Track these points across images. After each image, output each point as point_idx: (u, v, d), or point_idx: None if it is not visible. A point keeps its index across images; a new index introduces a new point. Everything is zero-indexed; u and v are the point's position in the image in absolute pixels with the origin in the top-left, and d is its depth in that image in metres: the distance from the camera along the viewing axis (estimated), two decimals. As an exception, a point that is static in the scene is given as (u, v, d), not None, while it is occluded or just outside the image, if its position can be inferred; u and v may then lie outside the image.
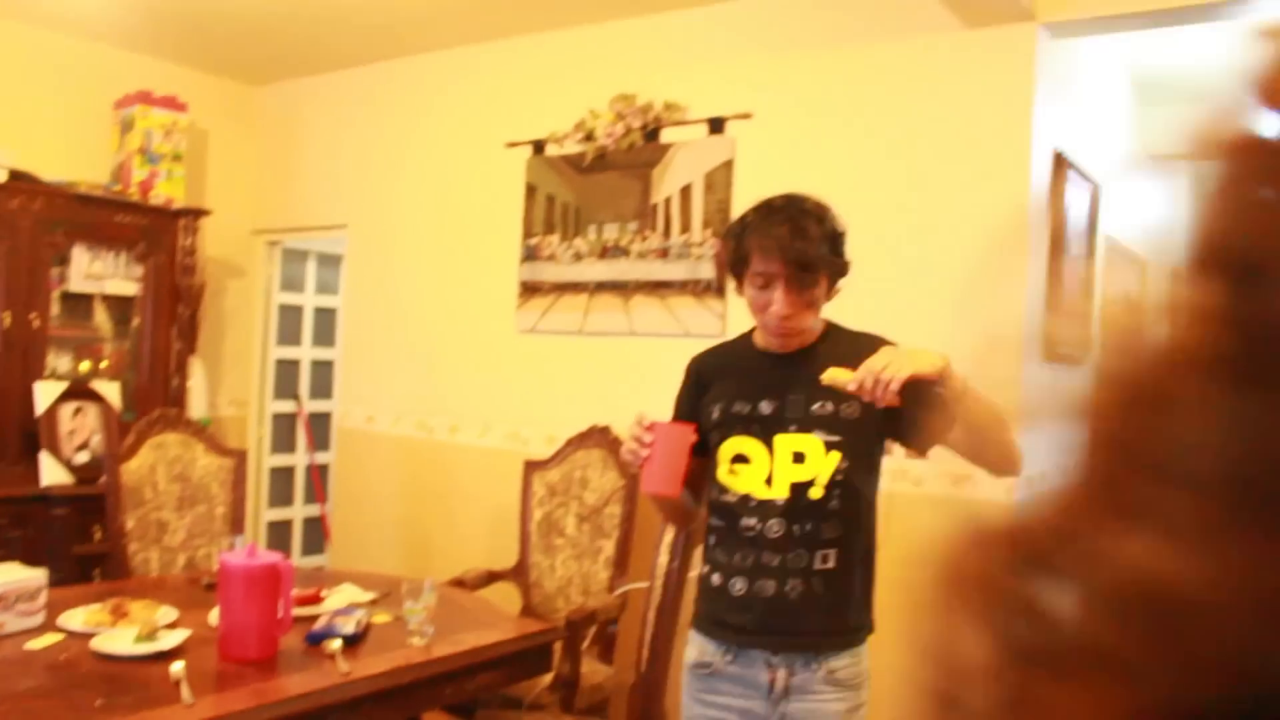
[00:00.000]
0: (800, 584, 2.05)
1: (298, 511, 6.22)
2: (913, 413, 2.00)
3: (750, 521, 2.08)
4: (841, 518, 2.08)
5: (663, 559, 3.08)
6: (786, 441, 2.08)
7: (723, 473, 2.14)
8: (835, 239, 2.08)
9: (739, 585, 2.09)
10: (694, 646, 2.20)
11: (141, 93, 4.89)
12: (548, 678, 3.28)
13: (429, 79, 4.96)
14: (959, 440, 2.04)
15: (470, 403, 4.71)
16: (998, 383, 3.38)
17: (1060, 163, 3.69)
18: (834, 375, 1.89)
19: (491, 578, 3.96)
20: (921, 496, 3.55)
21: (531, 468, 4.14)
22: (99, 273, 4.74)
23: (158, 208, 4.87)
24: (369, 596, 3.12)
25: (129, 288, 4.84)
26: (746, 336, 2.25)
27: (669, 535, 3.09)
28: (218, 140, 5.55)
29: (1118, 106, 4.72)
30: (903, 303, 3.60)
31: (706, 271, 3.96)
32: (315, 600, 3.00)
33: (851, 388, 1.85)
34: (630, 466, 2.07)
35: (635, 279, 4.17)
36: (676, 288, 4.06)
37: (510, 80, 4.66)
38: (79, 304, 4.74)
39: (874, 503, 2.18)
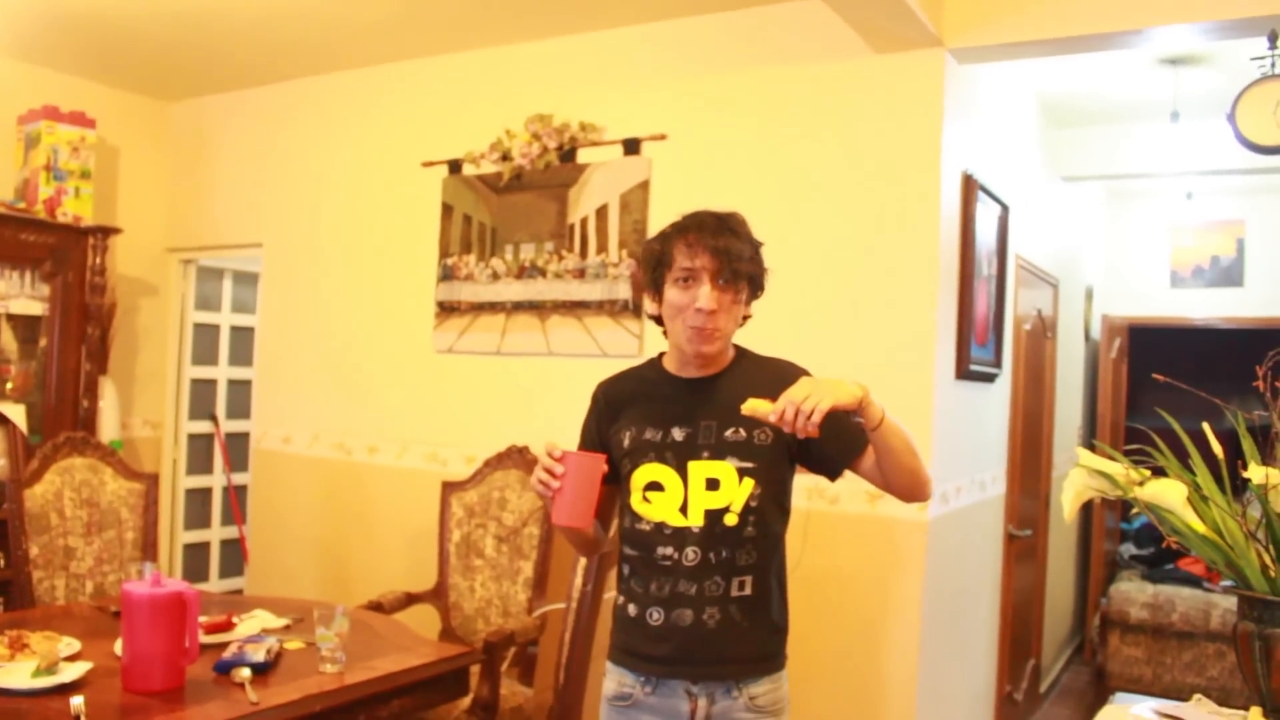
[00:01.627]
0: (717, 612, 2.04)
1: (215, 534, 6.11)
2: (829, 442, 2.00)
3: (666, 550, 2.06)
4: (756, 544, 2.06)
5: (578, 581, 3.08)
6: (700, 468, 2.06)
7: (636, 500, 2.11)
8: (756, 245, 2.09)
9: (656, 615, 2.07)
10: (611, 678, 2.16)
11: (47, 108, 4.78)
12: (466, 701, 3.26)
13: (345, 97, 4.92)
14: (869, 468, 2.06)
15: (388, 423, 4.68)
16: (910, 401, 3.45)
17: (969, 184, 3.77)
18: (754, 406, 1.87)
19: (410, 600, 3.93)
20: (838, 515, 3.60)
21: (449, 488, 4.12)
22: (3, 292, 4.62)
23: (65, 225, 4.76)
24: (282, 623, 3.08)
25: (35, 307, 4.72)
26: (655, 362, 2.22)
27: (584, 558, 3.10)
28: (129, 157, 5.45)
29: (1026, 129, 4.84)
30: (815, 323, 3.65)
31: (623, 291, 3.98)
32: (227, 627, 2.96)
33: (772, 419, 1.83)
34: (541, 496, 2.05)
35: (552, 299, 4.17)
36: (593, 308, 4.07)
37: (426, 100, 4.64)
38: (-18, 324, 4.62)
39: (785, 529, 2.17)
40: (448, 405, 4.50)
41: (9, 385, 4.68)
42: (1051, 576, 5.69)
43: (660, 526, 2.07)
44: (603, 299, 4.05)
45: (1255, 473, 1.67)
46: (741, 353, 2.19)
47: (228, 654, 2.64)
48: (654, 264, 2.08)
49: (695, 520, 2.05)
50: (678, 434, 2.08)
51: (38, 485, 3.66)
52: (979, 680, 4.33)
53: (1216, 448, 1.80)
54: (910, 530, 3.49)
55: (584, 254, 4.10)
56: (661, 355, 2.21)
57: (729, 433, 2.06)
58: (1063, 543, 6.11)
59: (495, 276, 4.33)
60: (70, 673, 2.43)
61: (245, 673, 2.52)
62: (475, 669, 3.17)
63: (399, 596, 3.87)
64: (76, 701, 2.22)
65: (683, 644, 2.05)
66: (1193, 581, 5.84)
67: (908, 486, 2.05)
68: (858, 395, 1.86)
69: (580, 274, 4.11)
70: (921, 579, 3.48)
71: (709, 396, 2.10)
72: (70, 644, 2.68)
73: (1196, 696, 1.91)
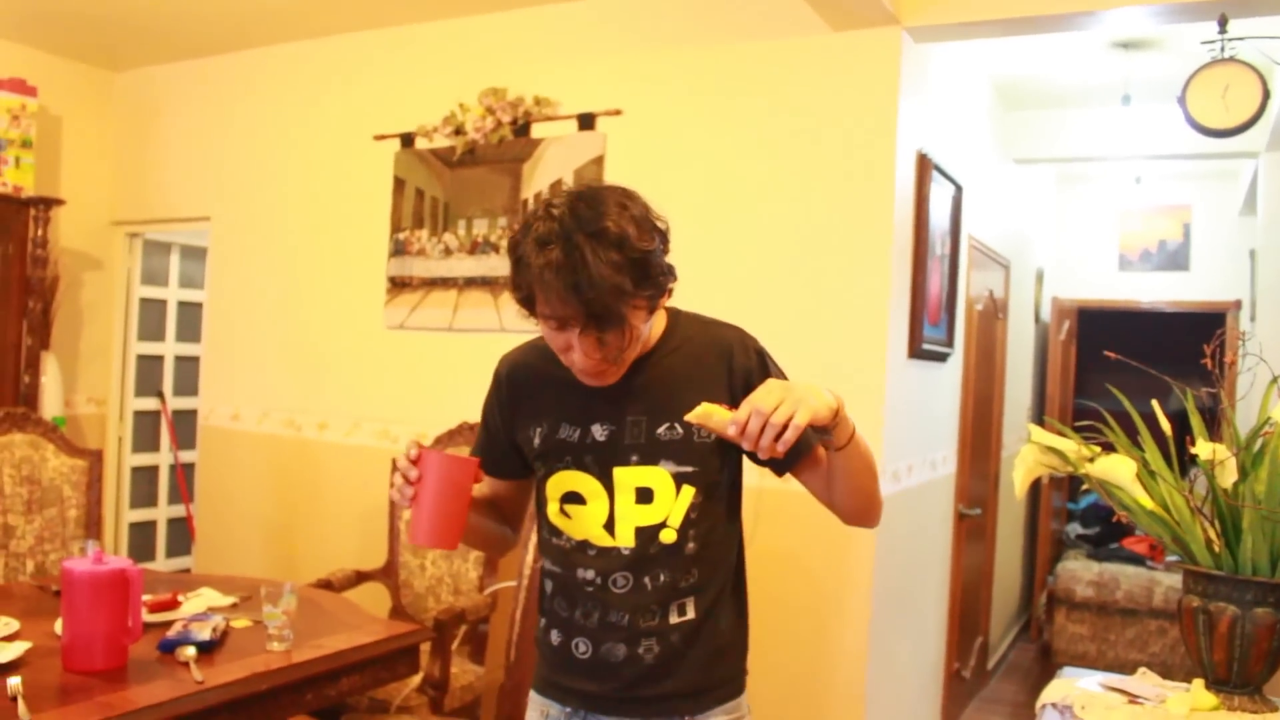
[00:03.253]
0: (655, 644, 1.70)
1: (162, 512, 6.03)
2: (791, 455, 1.67)
3: (588, 574, 1.71)
4: (699, 560, 1.72)
5: (529, 558, 3.07)
6: (628, 476, 1.68)
7: (553, 512, 1.75)
8: (641, 262, 1.54)
9: (583, 647, 1.73)
10: (535, 709, 1.83)
11: (-14, 75, 4.67)
12: (416, 679, 3.24)
13: (296, 69, 4.83)
14: (816, 478, 1.74)
15: (339, 400, 4.62)
16: (862, 379, 3.46)
17: (924, 164, 3.78)
18: (707, 413, 1.49)
19: (360, 578, 3.89)
20: (789, 493, 3.56)
21: (401, 466, 4.07)
22: (-60, 264, 4.51)
23: (5, 196, 4.65)
24: (229, 601, 3.03)
25: (-26, 280, 4.62)
26: None
27: (535, 533, 3.08)
28: (72, 127, 5.32)
29: (979, 111, 4.86)
30: (768, 300, 3.65)
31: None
32: (172, 605, 2.91)
33: (731, 432, 1.46)
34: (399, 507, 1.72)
35: (505, 275, 4.13)
36: (546, 284, 4.03)
37: (379, 72, 4.57)
38: (-82, 297, 4.51)
39: (737, 532, 1.84)
40: (399, 382, 4.45)
41: (-53, 360, 4.58)
42: (1000, 555, 5.76)
43: (583, 545, 1.72)
44: (556, 276, 4.00)
45: (1203, 449, 1.69)
46: (675, 320, 1.76)
47: (172, 632, 2.59)
48: (519, 294, 1.60)
49: (624, 540, 1.69)
50: (599, 433, 1.69)
51: (-24, 462, 3.59)
52: (928, 657, 4.37)
53: (1165, 425, 1.81)
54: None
55: (538, 230, 4.06)
56: None
57: (662, 429, 1.68)
58: (1011, 522, 6.19)
59: (448, 252, 4.28)
60: (8, 653, 2.37)
61: (190, 651, 2.47)
62: (425, 647, 3.15)
63: (349, 574, 3.83)
64: (14, 682, 2.16)
65: (616, 682, 1.72)
66: (1136, 560, 5.94)
67: (859, 510, 1.74)
68: (834, 408, 1.52)
69: (534, 250, 4.06)
70: (872, 557, 3.50)
71: (637, 384, 1.70)
72: (8, 624, 2.62)
73: (1141, 670, 1.93)
